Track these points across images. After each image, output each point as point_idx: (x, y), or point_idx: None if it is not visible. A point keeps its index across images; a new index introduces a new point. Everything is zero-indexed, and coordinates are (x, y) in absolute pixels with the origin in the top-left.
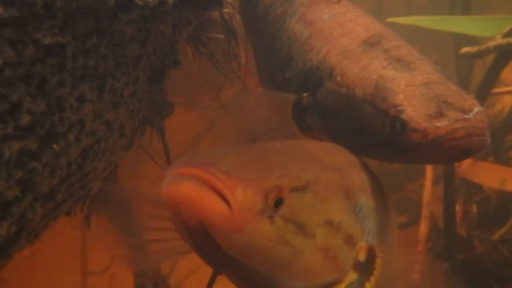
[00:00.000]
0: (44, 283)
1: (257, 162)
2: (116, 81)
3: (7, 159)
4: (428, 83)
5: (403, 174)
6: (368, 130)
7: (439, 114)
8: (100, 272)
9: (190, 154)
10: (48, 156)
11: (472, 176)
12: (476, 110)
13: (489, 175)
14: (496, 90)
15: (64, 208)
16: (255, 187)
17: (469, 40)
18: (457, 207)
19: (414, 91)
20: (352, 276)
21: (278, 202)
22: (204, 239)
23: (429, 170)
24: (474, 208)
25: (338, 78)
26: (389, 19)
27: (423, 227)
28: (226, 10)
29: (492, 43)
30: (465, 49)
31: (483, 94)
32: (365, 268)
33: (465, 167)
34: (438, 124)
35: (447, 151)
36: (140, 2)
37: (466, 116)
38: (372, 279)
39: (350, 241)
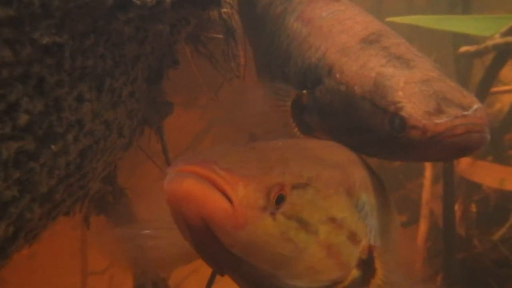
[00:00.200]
0: (43, 283)
1: (259, 159)
2: (115, 81)
3: (4, 159)
4: (427, 80)
5: (403, 173)
6: (367, 128)
7: (439, 111)
8: (100, 272)
9: (191, 153)
10: (46, 156)
11: (472, 176)
12: (475, 107)
13: (488, 174)
14: (495, 89)
15: (63, 209)
16: (256, 184)
17: (468, 39)
18: (457, 206)
19: (413, 88)
20: (354, 273)
21: (280, 199)
22: (206, 237)
23: (428, 169)
24: (474, 207)
25: (337, 75)
26: (388, 19)
27: (423, 226)
28: (224, 9)
29: (490, 42)
30: (464, 48)
31: (482, 93)
32: (367, 267)
33: (465, 166)
34: (438, 121)
35: (446, 148)
36: (138, 2)
37: (465, 113)
38: (376, 279)
39: (353, 238)
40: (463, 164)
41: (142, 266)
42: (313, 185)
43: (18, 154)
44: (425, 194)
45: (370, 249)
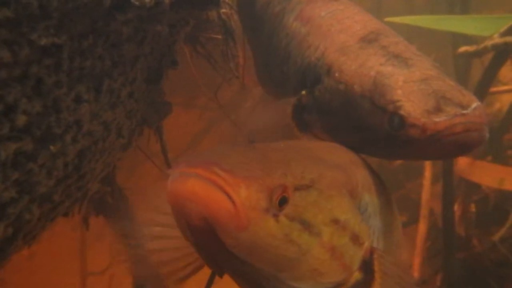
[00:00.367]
0: (43, 283)
1: (261, 160)
2: (113, 82)
3: (3, 160)
4: (426, 79)
5: (403, 173)
6: (367, 126)
7: (438, 110)
8: (99, 272)
9: (192, 153)
10: (45, 157)
11: (471, 176)
12: (474, 105)
13: (487, 175)
14: (494, 89)
15: (62, 210)
16: (258, 185)
17: (467, 39)
18: (456, 206)
19: (412, 87)
20: (356, 275)
21: (283, 201)
22: (207, 238)
23: (428, 169)
24: (473, 207)
25: (336, 74)
26: (388, 19)
27: (422, 226)
28: (223, 10)
29: (489, 42)
30: (463, 48)
31: (482, 93)
32: (368, 269)
33: (464, 166)
34: (437, 120)
35: (445, 146)
36: (137, 3)
37: (464, 112)
38: (374, 282)
39: (356, 240)
40: (463, 164)
41: (143, 269)
42: (316, 187)
43: (17, 155)
44: (425, 194)
45: (371, 252)
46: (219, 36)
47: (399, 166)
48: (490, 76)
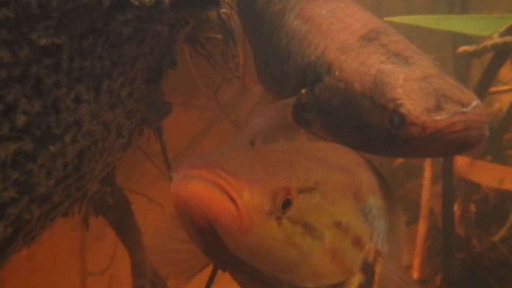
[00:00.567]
0: (43, 284)
1: (264, 162)
2: (113, 82)
3: (2, 161)
4: (426, 77)
5: (402, 173)
6: (367, 125)
7: (438, 108)
8: (99, 272)
9: (195, 154)
10: (44, 157)
11: (471, 175)
12: (474, 103)
13: (487, 174)
14: (494, 89)
15: (61, 210)
16: (262, 188)
17: (467, 39)
18: (456, 206)
19: (413, 85)
20: (361, 277)
21: (286, 204)
22: (211, 239)
23: (427, 169)
24: (473, 207)
25: (337, 73)
26: (387, 18)
27: (422, 226)
28: (223, 10)
29: (489, 42)
30: (462, 48)
31: (481, 93)
32: (371, 272)
33: (464, 166)
34: (437, 118)
35: (445, 144)
36: (136, 2)
37: (464, 110)
38: (374, 284)
39: (358, 243)
40: (462, 164)
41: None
42: (320, 189)
43: (16, 155)
44: (425, 194)
45: (376, 254)
46: (219, 36)
47: (399, 166)
48: (490, 76)
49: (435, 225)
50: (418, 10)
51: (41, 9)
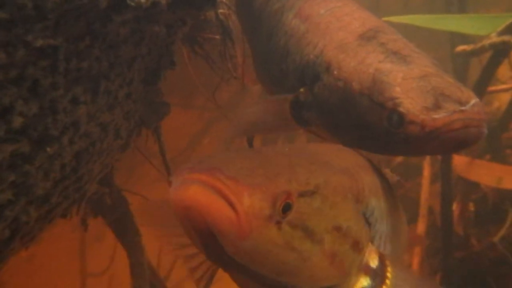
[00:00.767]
0: (43, 285)
1: (265, 166)
2: (111, 83)
3: None
4: (425, 75)
5: (402, 173)
6: (366, 124)
7: (436, 106)
8: (99, 273)
9: (195, 158)
10: (42, 159)
11: (470, 175)
12: (472, 102)
13: (486, 173)
14: (492, 88)
15: (59, 211)
16: (262, 192)
17: (465, 38)
18: (455, 206)
19: (411, 84)
20: (365, 280)
21: (286, 208)
22: (211, 242)
23: (426, 169)
24: (472, 206)
25: (335, 72)
26: (385, 18)
27: (421, 225)
28: (221, 10)
29: (487, 42)
30: (460, 48)
31: (480, 92)
32: (378, 275)
33: (463, 165)
34: (435, 116)
35: (444, 142)
36: (133, 3)
37: (463, 108)
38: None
39: (356, 246)
40: (461, 163)
41: None
42: (321, 193)
43: (13, 157)
44: (424, 193)
45: (381, 258)
46: (217, 36)
47: (398, 166)
48: (488, 75)
49: (434, 224)
50: (416, 10)
51: (37, 11)
